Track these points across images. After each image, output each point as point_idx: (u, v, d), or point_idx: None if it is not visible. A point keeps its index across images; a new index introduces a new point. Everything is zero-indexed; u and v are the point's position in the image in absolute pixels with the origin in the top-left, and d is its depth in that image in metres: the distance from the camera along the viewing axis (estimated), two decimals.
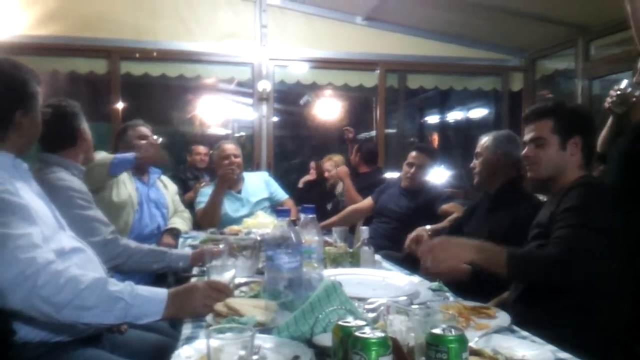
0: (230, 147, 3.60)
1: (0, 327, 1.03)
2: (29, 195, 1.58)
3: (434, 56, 5.13)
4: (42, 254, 1.40)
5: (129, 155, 2.94)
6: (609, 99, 2.57)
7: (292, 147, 7.79)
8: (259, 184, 3.72)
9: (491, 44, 5.22)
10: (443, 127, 8.04)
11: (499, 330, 1.36)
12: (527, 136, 1.98)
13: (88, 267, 1.64)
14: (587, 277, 1.68)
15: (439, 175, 4.32)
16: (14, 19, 4.24)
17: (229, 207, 3.51)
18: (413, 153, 3.60)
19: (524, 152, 2.00)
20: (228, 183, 3.47)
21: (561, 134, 1.90)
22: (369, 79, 5.23)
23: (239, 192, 3.61)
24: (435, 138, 7.91)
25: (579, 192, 1.80)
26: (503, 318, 1.45)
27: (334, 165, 5.13)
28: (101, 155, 2.81)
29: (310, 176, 5.70)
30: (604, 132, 2.65)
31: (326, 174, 5.17)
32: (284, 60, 5.00)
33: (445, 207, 3.32)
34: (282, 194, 3.76)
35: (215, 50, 4.78)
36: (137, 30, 4.56)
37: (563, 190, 1.85)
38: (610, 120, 2.63)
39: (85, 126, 2.32)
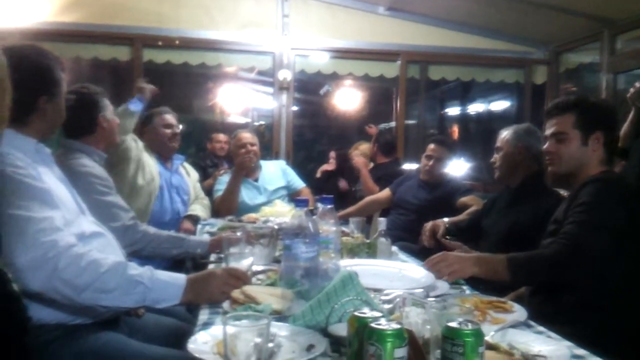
0: (246, 136, 3.62)
1: (18, 312, 1.05)
2: (52, 179, 1.60)
3: (457, 47, 5.08)
4: (63, 237, 1.42)
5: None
6: (631, 90, 2.54)
7: (311, 136, 7.78)
8: (276, 172, 3.74)
9: (515, 36, 5.15)
10: (464, 119, 7.95)
11: (516, 325, 1.35)
12: (549, 131, 1.95)
13: (108, 251, 1.67)
14: (593, 274, 1.68)
15: (458, 168, 4.29)
16: (38, 6, 4.29)
17: (246, 195, 3.54)
18: (431, 145, 3.58)
19: (544, 146, 1.97)
20: (244, 171, 3.50)
21: (583, 129, 1.87)
22: (390, 70, 5.19)
23: (256, 180, 3.64)
24: (456, 130, 7.82)
25: (592, 188, 1.78)
26: (520, 313, 1.44)
27: (359, 154, 5.11)
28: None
29: (329, 166, 5.69)
30: (625, 127, 2.61)
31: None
32: (305, 49, 4.99)
33: (464, 199, 3.30)
34: (299, 183, 3.77)
35: (237, 39, 4.79)
36: (160, 18, 4.59)
37: (580, 186, 1.83)
38: (632, 115, 2.59)
39: (107, 113, 2.37)
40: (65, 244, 1.40)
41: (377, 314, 1.04)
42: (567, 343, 1.24)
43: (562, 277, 1.68)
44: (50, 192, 1.50)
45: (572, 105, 1.91)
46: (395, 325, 0.95)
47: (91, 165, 2.25)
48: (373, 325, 0.96)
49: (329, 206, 1.56)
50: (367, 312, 1.06)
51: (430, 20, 5.00)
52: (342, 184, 5.41)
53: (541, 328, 1.37)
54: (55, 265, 1.36)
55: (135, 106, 2.97)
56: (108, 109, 2.39)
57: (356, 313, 1.06)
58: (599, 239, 1.68)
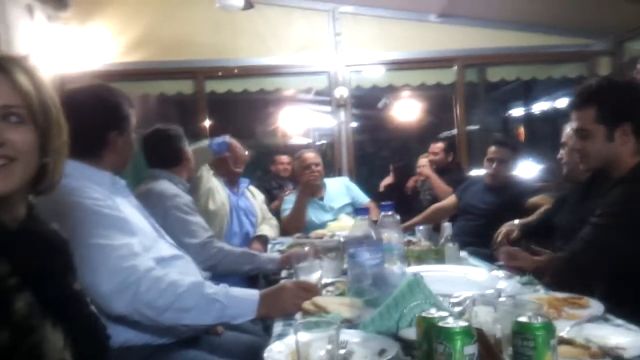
0: (310, 156, 3.69)
1: (98, 331, 1.13)
2: (128, 209, 1.71)
3: (513, 47, 4.96)
4: (142, 261, 1.51)
5: (221, 138, 3.18)
6: None
7: (373, 150, 7.79)
8: (340, 189, 3.78)
9: (573, 29, 4.96)
10: (529, 120, 7.71)
11: (592, 320, 1.32)
12: (573, 125, 1.83)
13: (186, 272, 1.74)
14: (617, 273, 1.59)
15: (527, 170, 4.17)
16: (106, 48, 4.57)
17: (313, 214, 3.60)
18: (492, 148, 3.52)
19: (571, 144, 1.88)
20: (310, 190, 3.57)
21: (606, 123, 1.71)
22: (447, 76, 5.14)
23: (321, 199, 3.69)
24: (521, 131, 7.61)
25: (621, 189, 1.66)
26: (596, 307, 1.40)
27: (423, 163, 5.05)
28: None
29: (389, 179, 5.66)
30: None
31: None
32: (359, 65, 5.04)
33: (534, 199, 3.21)
34: (363, 198, 3.79)
35: (293, 62, 4.90)
36: (219, 49, 4.77)
37: (613, 182, 1.71)
38: None
39: (187, 148, 2.64)
40: (145, 268, 1.50)
41: (444, 313, 1.05)
42: None
43: (579, 279, 1.59)
44: (127, 220, 1.60)
45: (590, 98, 1.74)
46: (462, 323, 0.96)
47: (176, 189, 2.49)
48: (441, 324, 0.97)
49: (389, 212, 1.58)
50: (434, 313, 1.07)
51: (483, 23, 4.92)
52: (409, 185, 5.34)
53: (620, 321, 1.32)
54: (137, 289, 1.46)
55: (217, 147, 3.11)
56: (187, 145, 2.69)
57: (423, 314, 1.07)
58: (629, 240, 1.59)
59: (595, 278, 1.60)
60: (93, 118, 1.69)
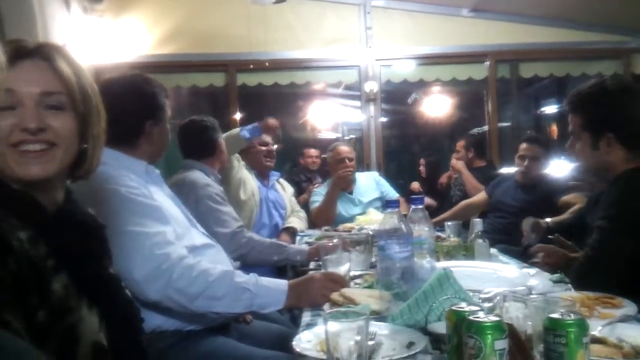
0: (345, 150, 3.68)
1: (132, 314, 1.16)
2: (162, 198, 1.74)
3: (547, 42, 4.88)
4: (175, 249, 1.55)
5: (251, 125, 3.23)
6: None
7: (402, 146, 7.74)
8: (370, 184, 3.77)
9: (608, 25, 4.85)
10: (562, 117, 7.54)
11: (625, 319, 1.29)
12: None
13: (217, 260, 1.77)
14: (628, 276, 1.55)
15: (561, 168, 4.09)
16: (140, 41, 4.65)
17: (342, 207, 3.60)
18: (523, 145, 3.47)
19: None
20: (343, 184, 3.57)
21: (591, 131, 1.69)
22: (479, 72, 5.08)
23: (351, 192, 3.69)
24: (555, 129, 7.46)
25: (614, 190, 1.64)
26: (630, 307, 1.37)
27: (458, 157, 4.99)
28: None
29: (416, 184, 5.58)
30: None
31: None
32: (389, 59, 5.02)
33: (566, 198, 3.15)
34: (393, 193, 3.78)
35: (323, 55, 4.92)
36: (250, 43, 4.80)
37: (607, 185, 1.71)
38: None
39: (221, 140, 2.69)
40: (178, 256, 1.53)
41: (475, 307, 1.05)
42: None
43: (593, 284, 1.55)
44: (161, 209, 1.64)
45: (577, 105, 1.73)
46: (494, 318, 0.95)
47: (209, 179, 2.54)
48: (471, 318, 0.96)
49: (420, 206, 1.58)
50: (464, 306, 1.06)
51: (516, 18, 4.84)
52: (428, 200, 5.29)
53: None
54: (170, 276, 1.49)
55: (249, 133, 3.16)
56: (221, 136, 2.75)
57: (454, 307, 1.07)
58: (622, 242, 1.57)
59: (616, 281, 1.57)
60: (130, 107, 1.73)
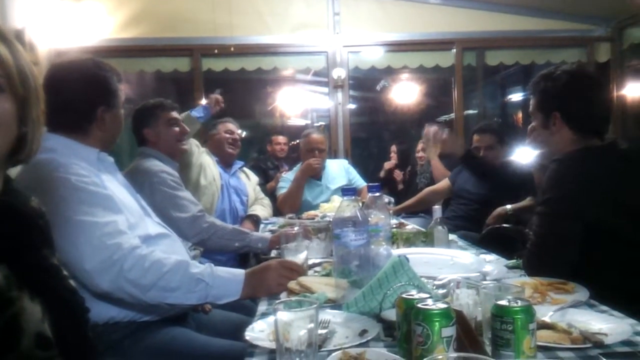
0: (317, 139, 3.67)
1: (76, 304, 1.13)
2: (115, 186, 1.69)
3: (513, 30, 4.92)
4: (127, 239, 1.50)
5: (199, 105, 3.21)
6: None
7: (371, 133, 7.75)
8: (339, 171, 3.77)
9: (574, 14, 4.91)
10: (528, 105, 7.68)
11: (577, 305, 1.31)
12: None
13: (172, 251, 1.73)
14: (573, 262, 1.59)
15: (525, 154, 4.14)
16: (101, 24, 4.52)
17: (309, 194, 3.60)
18: (475, 136, 3.53)
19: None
20: (311, 173, 3.55)
21: (542, 111, 1.78)
22: (446, 59, 5.09)
23: (319, 179, 3.68)
24: (520, 117, 7.57)
25: (550, 173, 1.68)
26: (581, 293, 1.39)
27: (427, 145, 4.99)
28: None
29: (390, 163, 5.62)
30: None
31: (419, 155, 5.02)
32: (357, 46, 4.99)
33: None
34: (360, 182, 3.79)
35: (290, 41, 4.86)
36: (215, 27, 4.71)
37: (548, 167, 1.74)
38: None
39: (156, 129, 2.57)
40: (129, 246, 1.49)
41: (424, 295, 1.05)
42: (631, 321, 1.19)
43: (540, 269, 1.59)
44: (113, 198, 1.59)
45: (535, 86, 1.81)
46: (441, 305, 0.96)
47: (165, 166, 2.47)
48: (420, 305, 0.96)
49: (377, 194, 1.57)
50: (414, 294, 1.06)
51: (483, 5, 4.87)
52: (397, 173, 5.36)
53: (604, 307, 1.32)
54: (121, 266, 1.45)
55: (197, 112, 3.10)
56: (157, 123, 2.61)
57: (403, 295, 1.07)
58: (569, 227, 1.59)
59: (567, 265, 1.59)
60: (81, 92, 1.67)
